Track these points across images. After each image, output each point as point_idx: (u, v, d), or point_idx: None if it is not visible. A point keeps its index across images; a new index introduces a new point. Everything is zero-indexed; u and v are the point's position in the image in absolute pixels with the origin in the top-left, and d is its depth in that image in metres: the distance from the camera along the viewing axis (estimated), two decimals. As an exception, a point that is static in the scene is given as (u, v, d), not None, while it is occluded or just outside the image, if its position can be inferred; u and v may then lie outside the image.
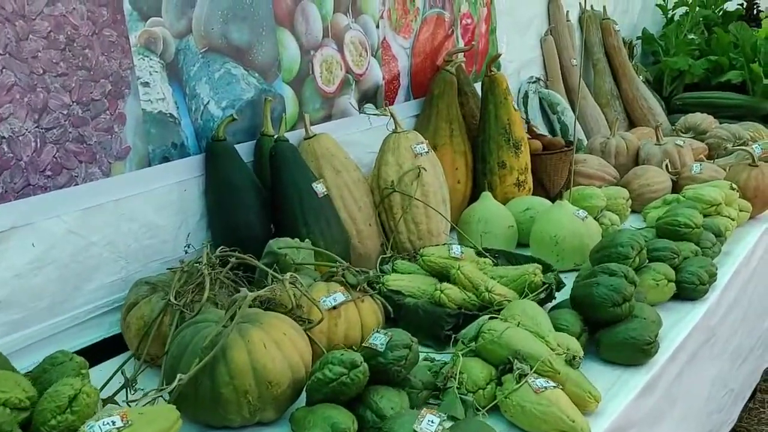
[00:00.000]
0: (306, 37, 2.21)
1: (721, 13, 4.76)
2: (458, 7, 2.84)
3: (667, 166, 2.84)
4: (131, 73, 1.75)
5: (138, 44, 1.76)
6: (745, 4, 5.26)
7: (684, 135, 3.46)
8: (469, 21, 2.90)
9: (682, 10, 4.44)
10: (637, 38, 4.37)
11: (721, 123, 3.61)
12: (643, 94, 3.71)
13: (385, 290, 1.83)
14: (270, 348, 1.40)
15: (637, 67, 4.02)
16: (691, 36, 4.26)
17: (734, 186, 2.51)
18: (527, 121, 3.06)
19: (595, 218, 2.42)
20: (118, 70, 1.72)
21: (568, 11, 3.57)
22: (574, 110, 3.52)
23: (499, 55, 2.62)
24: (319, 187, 1.96)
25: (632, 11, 4.36)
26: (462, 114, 2.68)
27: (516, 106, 2.59)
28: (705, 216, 2.40)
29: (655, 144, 2.94)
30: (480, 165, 2.58)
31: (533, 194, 2.72)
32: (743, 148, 2.75)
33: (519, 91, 3.31)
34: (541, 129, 3.26)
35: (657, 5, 4.34)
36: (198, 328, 1.43)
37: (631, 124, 3.75)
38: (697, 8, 4.34)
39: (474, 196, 2.58)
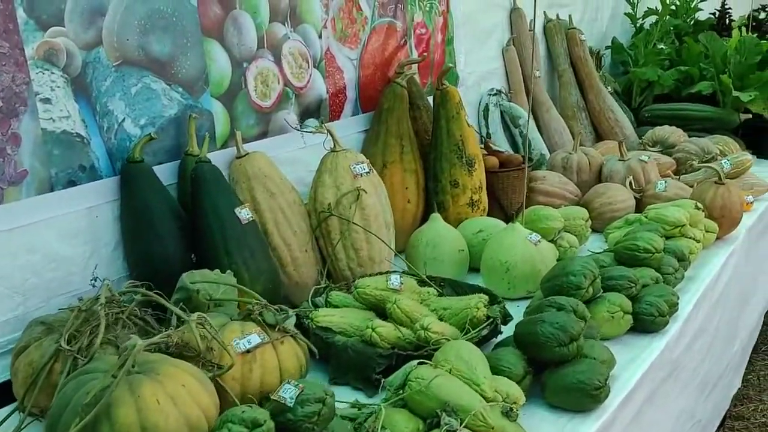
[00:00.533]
0: (238, 48, 2.05)
1: (692, 22, 4.66)
2: (411, 17, 2.69)
3: (630, 183, 2.70)
4: (27, 88, 1.58)
5: (36, 57, 1.58)
6: (717, 13, 5.18)
7: (652, 149, 3.33)
8: (423, 31, 2.76)
9: (652, 19, 4.33)
10: (606, 48, 4.25)
11: (690, 136, 3.49)
12: (610, 106, 3.57)
13: (313, 327, 1.67)
14: (164, 404, 1.22)
15: (605, 77, 3.89)
16: (660, 46, 4.15)
17: (699, 205, 2.38)
18: (485, 137, 2.91)
19: (552, 240, 2.28)
20: (10, 85, 1.54)
21: (531, 20, 3.44)
22: (538, 124, 3.38)
23: (450, 67, 2.47)
24: (244, 213, 1.79)
25: (601, 20, 4.23)
26: (415, 129, 2.53)
27: (469, 122, 2.44)
28: (668, 238, 2.27)
29: (619, 160, 2.80)
30: (432, 184, 2.42)
31: (489, 214, 2.58)
32: (709, 165, 2.61)
33: (480, 104, 3.16)
34: (503, 144, 3.11)
35: (626, 14, 4.22)
36: (82, 380, 1.25)
37: (598, 137, 3.62)
38: (667, 17, 4.23)
39: (426, 217, 2.43)
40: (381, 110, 2.45)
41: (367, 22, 2.49)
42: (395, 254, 2.08)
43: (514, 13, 3.33)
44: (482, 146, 2.67)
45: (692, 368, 2.16)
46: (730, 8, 5.13)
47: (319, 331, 1.65)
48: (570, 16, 3.67)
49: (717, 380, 2.54)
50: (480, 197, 2.41)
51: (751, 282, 2.80)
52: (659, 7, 4.22)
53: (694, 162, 3.12)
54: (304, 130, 2.18)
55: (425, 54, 2.71)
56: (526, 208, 2.61)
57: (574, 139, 3.48)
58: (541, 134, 3.36)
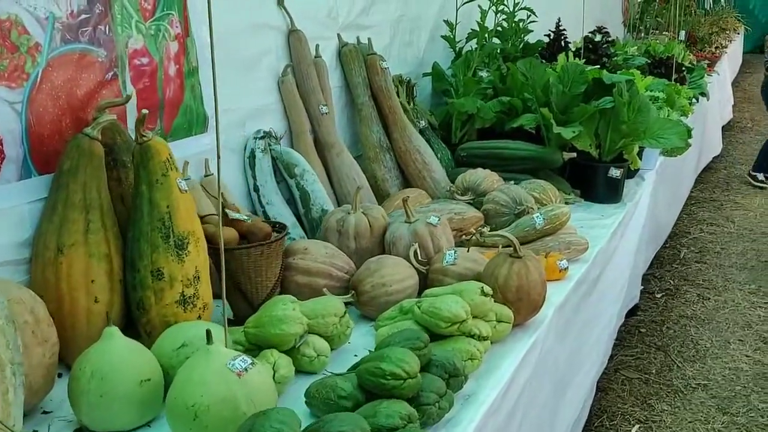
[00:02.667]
0: None
1: (521, 45, 4.25)
2: (124, 43, 2.02)
3: (416, 253, 2.14)
4: None
5: None
6: (552, 35, 4.83)
7: (462, 197, 2.81)
8: (144, 60, 2.09)
9: (475, 42, 3.87)
10: (425, 75, 3.74)
11: (508, 179, 3.01)
12: (417, 146, 3.04)
13: None
14: None
15: (417, 110, 3.37)
16: (482, 73, 3.68)
17: (487, 290, 1.83)
18: (225, 204, 2.26)
19: (288, 351, 1.67)
20: None
21: (318, 45, 2.85)
22: (328, 171, 2.79)
23: (145, 115, 1.81)
24: None
25: (418, 43, 3.73)
26: (121, 196, 1.87)
27: (180, 185, 1.78)
28: (444, 336, 1.71)
29: (405, 222, 2.24)
30: (129, 275, 1.75)
31: (233, 307, 1.96)
32: (502, 234, 2.09)
33: (245, 150, 2.53)
34: (276, 198, 2.49)
35: (443, 37, 3.73)
36: None
37: (407, 182, 3.07)
38: (486, 40, 3.77)
39: (129, 323, 1.77)
40: (60, 172, 1.76)
41: (41, 50, 1.80)
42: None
43: (293, 36, 2.72)
44: (222, 213, 2.02)
45: None
46: (564, 30, 4.80)
47: None
48: (369, 40, 3.12)
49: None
50: (197, 291, 1.76)
51: (565, 375, 2.31)
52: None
53: (502, 218, 2.62)
54: None
55: (128, 95, 2.03)
56: (280, 292, 2.00)
57: (378, 184, 2.93)
58: (332, 184, 2.78)
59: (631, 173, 3.55)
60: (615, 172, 3.17)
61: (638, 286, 3.95)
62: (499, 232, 2.08)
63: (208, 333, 1.43)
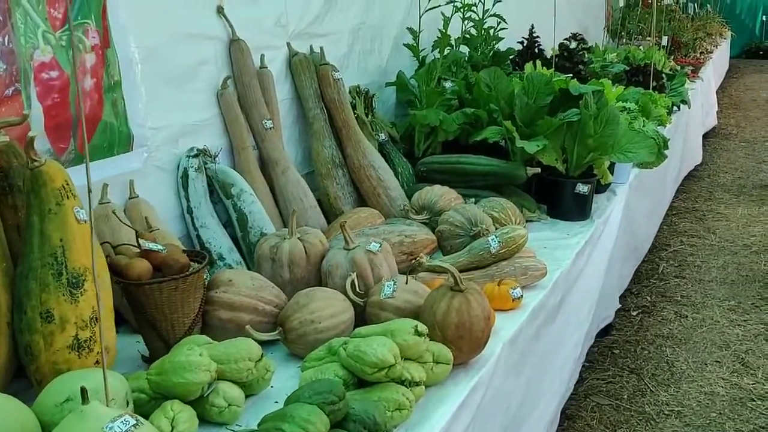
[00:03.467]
0: None
1: (491, 53, 4.09)
2: (28, 54, 1.83)
3: (354, 283, 1.96)
4: None
5: None
6: (525, 42, 4.67)
7: (417, 217, 2.64)
8: (54, 74, 1.91)
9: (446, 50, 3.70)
10: (388, 85, 3.57)
11: (469, 197, 2.84)
12: (371, 161, 2.86)
13: None
14: None
15: (376, 123, 3.20)
16: (447, 83, 3.51)
17: (421, 328, 1.66)
18: (140, 233, 2.07)
19: (196, 401, 1.49)
20: None
21: (263, 55, 2.67)
22: (273, 190, 2.61)
23: (33, 138, 1.62)
24: None
25: (380, 52, 3.55)
26: (17, 226, 1.69)
27: (77, 214, 1.60)
28: (372, 383, 1.54)
29: (344, 248, 2.06)
30: (16, 317, 1.57)
31: (148, 347, 1.78)
32: (441, 264, 1.91)
33: (178, 169, 2.35)
34: (211, 221, 2.31)
35: (406, 45, 3.56)
36: None
37: (361, 200, 2.90)
38: (449, 48, 3.61)
39: (19, 371, 1.59)
40: (-60, 201, 1.58)
41: None
42: None
43: (234, 46, 2.55)
44: (136, 242, 1.84)
45: None
46: (538, 37, 4.64)
47: None
48: (322, 49, 2.94)
49: None
50: (95, 334, 1.58)
51: (521, 412, 2.13)
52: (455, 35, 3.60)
53: (456, 240, 2.45)
54: None
55: (25, 113, 1.84)
56: (203, 328, 1.83)
57: (330, 202, 2.76)
58: (277, 203, 2.60)
59: (602, 188, 3.39)
60: (582, 188, 3.00)
61: (613, 304, 3.78)
62: (440, 261, 1.90)
63: (83, 391, 1.25)
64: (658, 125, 4.44)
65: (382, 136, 3.21)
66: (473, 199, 2.80)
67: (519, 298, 2.15)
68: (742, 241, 5.21)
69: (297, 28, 2.90)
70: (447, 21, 3.40)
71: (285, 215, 2.59)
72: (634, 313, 4.07)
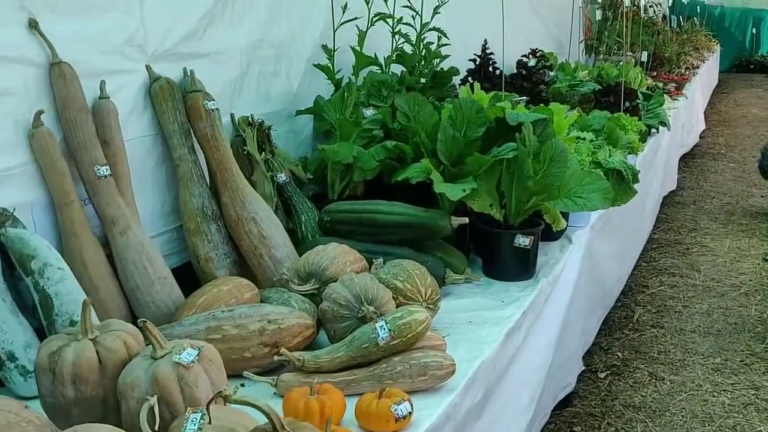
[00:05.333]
0: None
1: (430, 73, 3.51)
2: None
3: (152, 412, 1.36)
4: None
5: None
6: (478, 59, 4.11)
7: (298, 288, 2.05)
8: None
9: (365, 71, 3.13)
10: (298, 113, 2.99)
11: (377, 258, 2.25)
12: (252, 213, 2.27)
13: None
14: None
15: (274, 161, 2.62)
16: (367, 111, 2.93)
17: None
18: None
19: None
20: None
21: (104, 81, 2.09)
22: (111, 258, 2.01)
23: None
24: None
25: (289, 74, 2.97)
26: None
27: None
28: None
29: (150, 356, 1.46)
30: None
31: None
32: (250, 401, 1.28)
33: (-41, 236, 1.75)
34: (4, 306, 1.71)
35: (316, 66, 2.98)
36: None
37: (242, 261, 2.31)
38: (377, 69, 3.03)
39: None
40: None
41: None
42: None
43: (55, 70, 1.96)
44: None
45: None
46: (492, 54, 4.08)
47: None
48: (191, 72, 2.36)
49: None
50: None
51: None
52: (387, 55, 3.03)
53: (341, 323, 1.86)
54: None
55: None
56: None
57: (200, 262, 2.17)
58: (117, 275, 2.00)
59: (555, 234, 2.80)
60: (522, 241, 2.42)
61: (576, 367, 3.19)
62: (250, 399, 1.28)
63: None
64: (629, 153, 3.87)
65: (282, 177, 2.63)
66: (381, 259, 2.21)
67: (405, 417, 1.55)
68: (729, 280, 4.63)
69: (161, 46, 2.31)
70: (362, 36, 2.83)
71: (127, 291, 2.00)
72: (602, 375, 3.48)
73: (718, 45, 11.90)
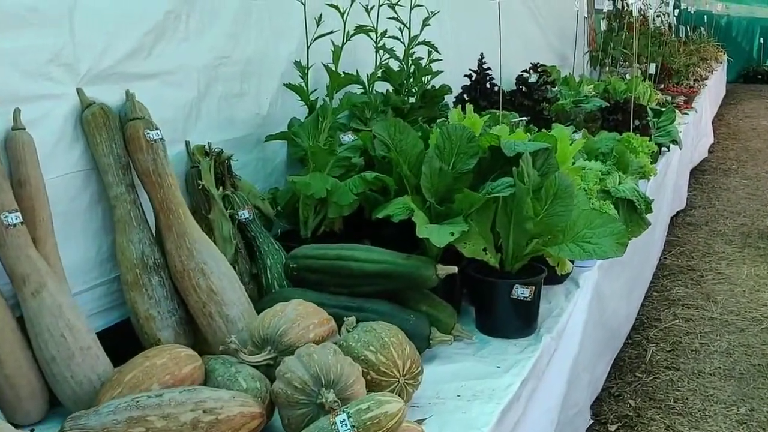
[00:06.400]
0: None
1: (419, 93, 3.17)
2: None
3: None
4: None
5: None
6: (473, 76, 3.76)
7: (252, 359, 1.69)
8: None
9: (342, 93, 2.79)
10: (268, 138, 2.65)
11: (349, 315, 1.89)
12: (201, 263, 1.92)
13: None
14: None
15: (235, 196, 2.27)
16: (346, 136, 2.59)
17: None
18: None
19: None
20: None
21: (18, 109, 1.75)
22: (23, 320, 1.66)
23: None
24: None
25: (258, 94, 2.63)
26: None
27: None
28: None
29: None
30: None
31: None
32: None
33: None
34: None
35: (287, 86, 2.63)
36: None
37: (191, 320, 1.95)
38: (367, 88, 2.69)
39: None
40: None
41: None
42: None
43: (-48, 98, 1.62)
44: None
45: None
46: (489, 69, 3.74)
47: None
48: (132, 96, 2.02)
49: None
50: None
51: None
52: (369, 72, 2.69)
53: (296, 410, 1.50)
54: None
55: None
56: None
57: (141, 327, 1.82)
58: (30, 343, 1.65)
59: (559, 278, 2.45)
60: (521, 292, 2.06)
61: (583, 422, 2.82)
62: None
63: None
64: (640, 178, 3.52)
65: (245, 214, 2.29)
66: (353, 318, 1.85)
67: None
68: (749, 312, 4.26)
69: (97, 66, 1.97)
70: (337, 52, 2.48)
71: (41, 361, 1.65)
72: (613, 429, 3.11)
73: (726, 55, 11.58)
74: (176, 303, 1.93)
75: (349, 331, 1.80)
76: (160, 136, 1.99)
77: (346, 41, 2.48)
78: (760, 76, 15.82)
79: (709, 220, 6.14)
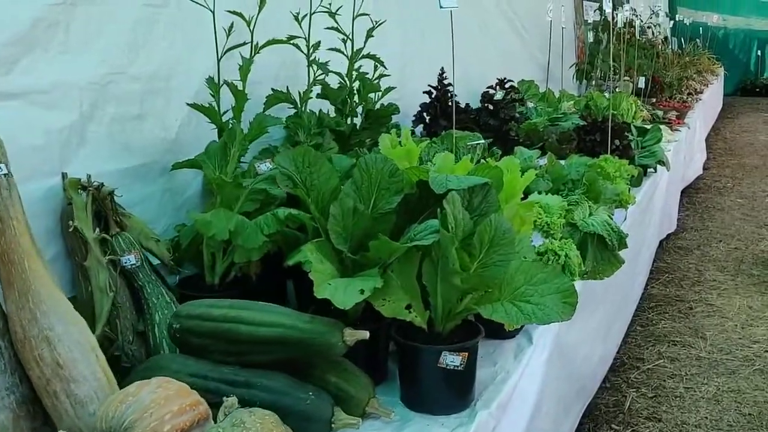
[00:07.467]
0: None
1: (365, 112, 2.80)
2: None
3: None
4: None
5: None
6: (434, 92, 3.42)
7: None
8: None
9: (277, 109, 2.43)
10: (176, 167, 2.29)
11: (228, 396, 1.52)
12: (46, 330, 1.54)
13: None
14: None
15: (117, 239, 1.91)
16: (262, 165, 2.22)
17: None
18: None
19: None
20: None
21: None
22: None
23: None
24: None
25: (164, 115, 2.29)
26: None
27: None
28: None
29: None
30: None
31: None
32: None
33: None
34: None
35: (192, 106, 2.25)
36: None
37: (36, 399, 1.58)
38: (301, 108, 2.33)
39: None
40: None
41: None
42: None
43: None
44: None
45: None
46: (450, 85, 3.39)
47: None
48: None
49: None
50: None
51: None
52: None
53: None
54: None
55: None
56: None
57: None
58: None
59: (506, 333, 2.09)
60: (451, 361, 1.69)
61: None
62: None
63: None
64: (617, 207, 3.16)
65: (131, 260, 1.93)
66: (234, 399, 1.48)
67: None
68: (740, 350, 3.89)
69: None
70: (247, 65, 2.11)
71: None
72: (583, 496, 2.73)
73: (722, 68, 11.24)
74: (18, 377, 1.56)
75: (225, 416, 1.44)
76: (4, 171, 1.62)
77: (255, 53, 2.11)
78: (757, 89, 15.48)
79: (702, 243, 5.77)
